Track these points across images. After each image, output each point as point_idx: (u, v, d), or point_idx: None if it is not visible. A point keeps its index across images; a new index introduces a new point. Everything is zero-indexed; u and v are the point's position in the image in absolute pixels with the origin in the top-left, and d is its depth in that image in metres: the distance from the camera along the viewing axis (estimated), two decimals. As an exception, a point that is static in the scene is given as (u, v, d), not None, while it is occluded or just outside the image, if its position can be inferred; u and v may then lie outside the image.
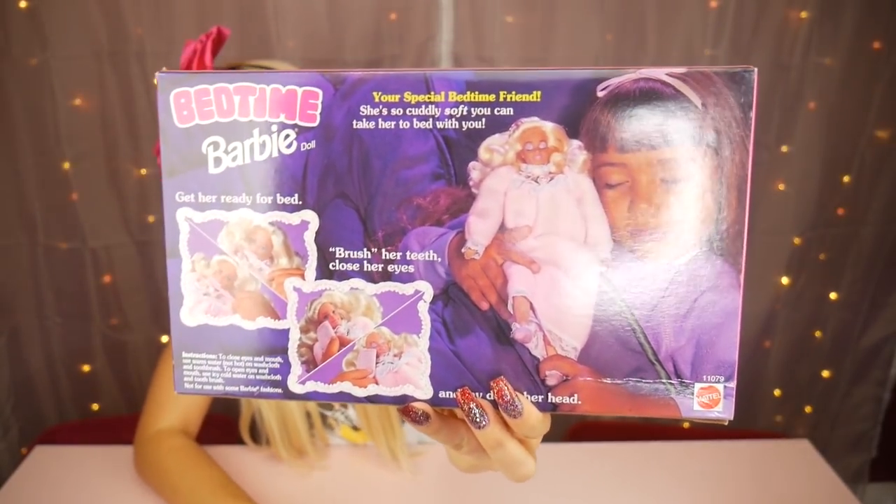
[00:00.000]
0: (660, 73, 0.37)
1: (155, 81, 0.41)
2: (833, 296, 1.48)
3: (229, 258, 0.42)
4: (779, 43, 1.30)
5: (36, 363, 1.41)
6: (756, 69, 0.36)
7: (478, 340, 0.41)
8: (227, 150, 0.41)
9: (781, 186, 1.40)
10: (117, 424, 1.04)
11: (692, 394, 0.40)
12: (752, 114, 0.37)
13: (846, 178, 1.40)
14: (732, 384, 0.40)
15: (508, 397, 0.39)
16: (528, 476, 0.43)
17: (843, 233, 1.44)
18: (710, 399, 0.40)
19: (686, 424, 1.48)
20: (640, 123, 0.38)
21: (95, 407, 1.45)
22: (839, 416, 1.57)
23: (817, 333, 1.51)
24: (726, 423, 0.40)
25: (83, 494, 0.88)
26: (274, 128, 0.40)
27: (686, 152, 0.38)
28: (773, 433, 1.47)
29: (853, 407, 1.56)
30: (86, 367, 1.42)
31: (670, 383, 0.40)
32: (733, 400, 0.40)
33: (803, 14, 1.28)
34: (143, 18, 1.23)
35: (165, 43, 1.24)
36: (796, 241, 1.43)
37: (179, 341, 0.43)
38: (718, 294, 0.39)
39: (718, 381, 0.40)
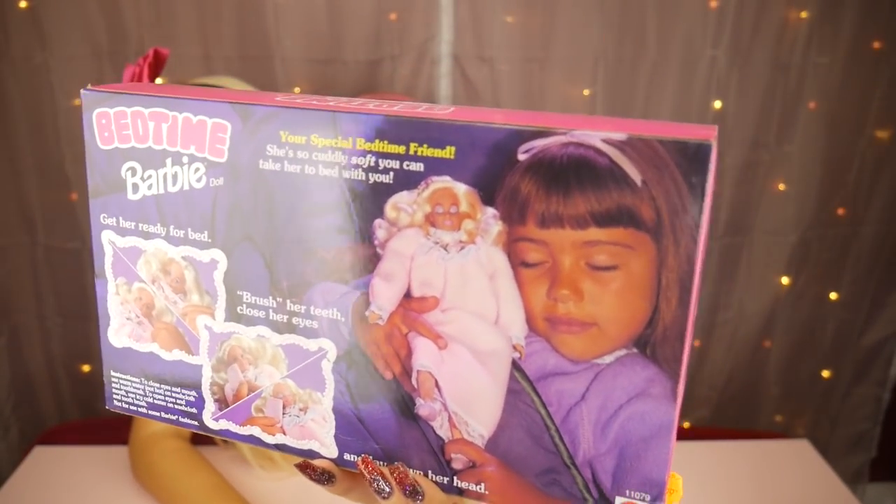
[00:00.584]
0: (594, 137, 0.31)
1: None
2: (833, 296, 1.48)
3: (147, 287, 0.40)
4: (779, 43, 1.30)
5: (36, 363, 1.40)
6: (714, 143, 0.29)
7: (381, 409, 0.37)
8: (143, 178, 0.38)
9: (781, 186, 1.39)
10: (117, 424, 1.03)
11: None
12: (706, 198, 0.30)
13: (846, 178, 1.40)
14: None
15: (409, 484, 0.37)
16: None
17: (843, 232, 1.44)
18: None
19: (686, 424, 1.48)
20: (566, 196, 0.32)
21: (95, 407, 1.45)
22: (839, 416, 1.57)
23: (817, 333, 1.51)
24: None
25: (83, 495, 0.88)
26: (185, 159, 0.37)
27: (619, 236, 0.31)
28: (773, 433, 1.47)
29: (853, 407, 1.56)
30: (86, 367, 1.42)
31: (587, 491, 0.35)
32: None
33: (803, 14, 1.28)
34: (143, 18, 1.23)
35: (165, 43, 1.24)
36: (796, 241, 1.43)
37: (108, 360, 0.43)
38: (649, 404, 0.33)
39: (643, 500, 0.34)
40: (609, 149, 0.30)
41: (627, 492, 0.34)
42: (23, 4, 1.20)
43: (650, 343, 0.32)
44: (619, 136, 0.30)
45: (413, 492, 0.37)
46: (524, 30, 1.28)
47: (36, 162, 1.29)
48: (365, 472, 0.37)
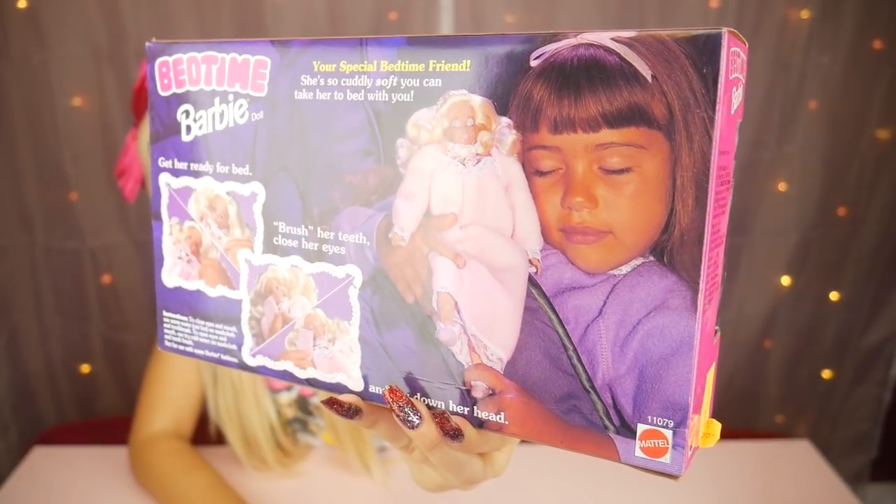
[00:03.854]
0: (604, 37, 0.30)
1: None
2: (834, 296, 1.48)
3: (196, 224, 0.43)
4: (779, 42, 1.30)
5: (35, 363, 1.40)
6: (725, 31, 0.28)
7: (404, 336, 0.37)
8: (195, 119, 0.41)
9: (782, 186, 1.39)
10: (116, 425, 1.03)
11: (634, 436, 0.33)
12: (719, 89, 0.29)
13: (847, 178, 1.40)
14: (684, 431, 0.32)
15: (452, 429, 0.35)
16: (475, 480, 0.40)
17: (843, 232, 1.44)
18: (656, 446, 0.32)
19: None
20: (577, 99, 0.31)
21: (95, 407, 1.45)
22: (840, 416, 1.56)
23: (818, 333, 1.50)
24: (677, 479, 0.32)
25: (82, 495, 0.88)
26: (230, 97, 0.40)
27: (631, 136, 0.31)
28: (774, 433, 1.47)
29: (854, 407, 1.56)
30: (85, 368, 1.42)
31: (608, 418, 0.33)
32: (685, 452, 0.32)
33: (804, 14, 1.28)
34: (142, 18, 1.23)
35: (165, 43, 1.24)
36: (797, 241, 1.43)
37: (161, 300, 0.45)
38: (668, 317, 0.31)
39: (666, 426, 0.32)
40: (618, 46, 0.30)
41: (649, 417, 0.32)
42: (22, 4, 1.20)
43: (667, 249, 0.31)
44: (629, 33, 0.30)
45: (455, 435, 0.35)
46: (524, 30, 1.28)
47: (35, 162, 1.28)
48: (392, 403, 0.36)
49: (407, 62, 0.35)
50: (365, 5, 1.25)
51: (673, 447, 0.32)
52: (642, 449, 0.33)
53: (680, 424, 0.32)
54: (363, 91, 0.36)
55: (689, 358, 0.31)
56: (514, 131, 0.33)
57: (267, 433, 0.89)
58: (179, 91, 0.41)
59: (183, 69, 0.41)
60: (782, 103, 1.33)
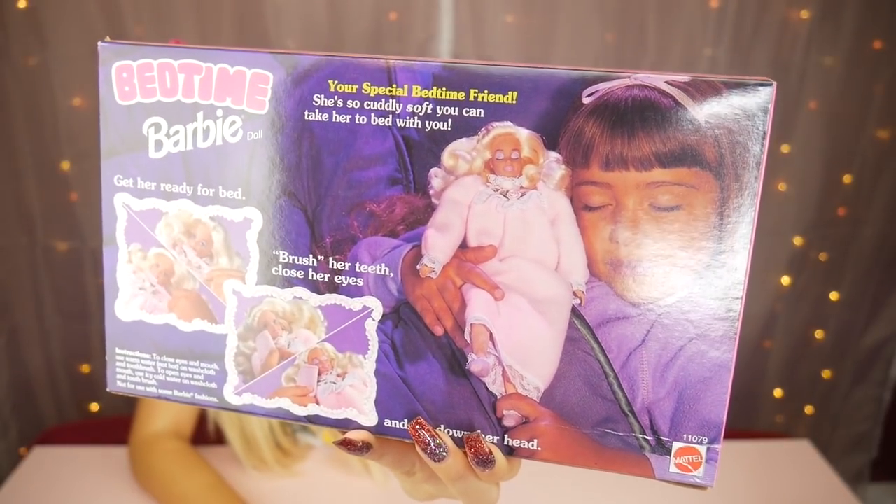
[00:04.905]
0: (658, 80, 0.32)
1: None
2: (834, 296, 1.48)
3: (167, 252, 0.38)
4: (779, 43, 1.30)
5: (35, 363, 1.40)
6: (774, 83, 0.31)
7: (430, 368, 0.36)
8: (168, 134, 0.37)
9: (782, 186, 1.39)
10: (117, 425, 1.03)
11: (669, 453, 0.35)
12: (766, 136, 0.31)
13: (847, 178, 1.40)
14: (717, 447, 0.34)
15: (485, 453, 0.35)
16: (492, 503, 0.40)
17: (843, 232, 1.44)
18: (690, 462, 0.35)
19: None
20: (631, 138, 0.32)
21: (95, 407, 1.45)
22: (840, 416, 1.56)
23: (818, 333, 1.50)
24: (706, 490, 0.35)
25: (82, 495, 0.88)
26: (219, 112, 0.36)
27: (682, 176, 0.32)
28: (774, 433, 1.47)
29: (854, 407, 1.56)
30: (85, 368, 1.42)
31: (644, 439, 0.35)
32: (716, 465, 0.34)
33: (804, 14, 1.28)
34: (143, 18, 1.23)
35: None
36: (797, 241, 1.43)
37: (112, 336, 0.40)
38: (708, 343, 0.34)
39: (701, 443, 0.34)
40: (673, 90, 0.32)
41: (685, 436, 0.34)
42: (22, 4, 1.20)
43: (711, 281, 0.33)
44: (683, 77, 0.32)
45: (487, 461, 0.35)
46: (524, 30, 1.28)
47: (36, 162, 1.28)
48: (418, 436, 0.35)
49: (444, 89, 0.34)
50: (365, 5, 1.25)
51: (706, 461, 0.34)
52: (677, 465, 0.35)
53: (714, 441, 0.34)
54: (391, 116, 0.34)
55: (726, 380, 0.34)
56: (563, 166, 0.33)
57: (266, 433, 0.89)
58: (147, 101, 0.37)
59: (153, 76, 0.36)
60: (782, 103, 1.33)
